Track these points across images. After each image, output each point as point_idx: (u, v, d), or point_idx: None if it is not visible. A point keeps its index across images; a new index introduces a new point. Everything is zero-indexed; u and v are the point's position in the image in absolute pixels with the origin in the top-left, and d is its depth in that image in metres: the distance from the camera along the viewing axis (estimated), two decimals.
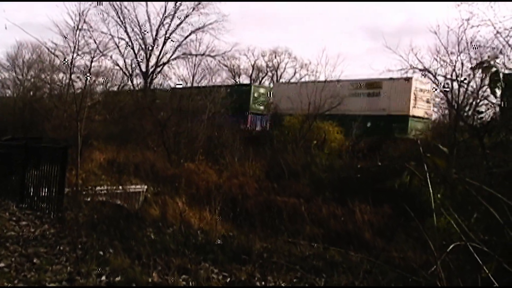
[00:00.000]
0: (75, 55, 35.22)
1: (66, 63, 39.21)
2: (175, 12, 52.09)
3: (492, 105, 16.29)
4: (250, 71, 66.21)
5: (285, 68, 64.46)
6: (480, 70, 5.59)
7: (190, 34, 52.04)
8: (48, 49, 45.04)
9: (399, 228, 17.89)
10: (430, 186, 4.16)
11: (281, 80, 62.19)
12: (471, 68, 21.06)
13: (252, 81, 63.12)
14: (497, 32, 16.30)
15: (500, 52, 16.79)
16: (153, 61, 52.75)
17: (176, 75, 56.70)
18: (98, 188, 21.61)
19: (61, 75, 46.02)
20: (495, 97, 15.64)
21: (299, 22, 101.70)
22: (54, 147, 16.85)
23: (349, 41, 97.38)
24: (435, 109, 37.28)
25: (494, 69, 5.33)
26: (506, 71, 15.95)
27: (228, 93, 41.45)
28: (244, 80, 64.94)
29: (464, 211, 7.58)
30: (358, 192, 23.06)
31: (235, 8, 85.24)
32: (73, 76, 37.05)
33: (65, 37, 40.46)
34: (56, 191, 14.42)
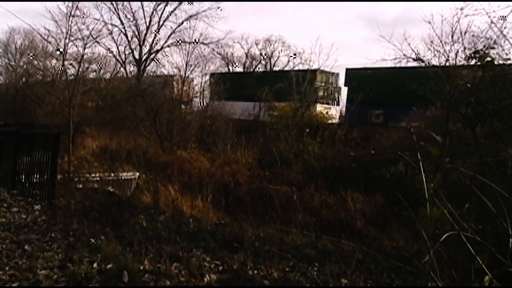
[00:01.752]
0: (67, 41, 35.13)
1: (59, 49, 39.15)
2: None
3: (486, 95, 16.28)
4: (244, 59, 66.00)
5: (278, 56, 64.24)
6: (474, 60, 5.58)
7: (183, 21, 51.98)
8: (41, 36, 45.06)
9: (391, 217, 17.93)
10: (423, 175, 4.15)
11: (274, 68, 61.91)
12: (466, 57, 21.06)
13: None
14: (492, 21, 16.29)
15: (495, 42, 16.79)
16: (146, 48, 52.70)
17: (170, 62, 56.57)
18: (90, 175, 21.57)
19: (53, 61, 45.91)
20: (489, 86, 15.69)
21: (295, 11, 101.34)
22: (46, 133, 16.78)
23: (345, 30, 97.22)
24: None
25: (488, 59, 5.30)
26: (500, 61, 16.01)
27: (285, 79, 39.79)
28: (236, 68, 64.73)
29: (457, 200, 7.59)
30: (350, 181, 23.11)
31: None
32: (65, 62, 36.97)
33: (58, 23, 40.46)
34: (48, 178, 14.38)
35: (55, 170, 14.55)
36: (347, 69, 41.84)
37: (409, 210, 4.53)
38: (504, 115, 15.40)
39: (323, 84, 44.24)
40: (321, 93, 43.43)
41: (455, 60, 23.84)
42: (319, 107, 42.15)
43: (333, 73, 45.58)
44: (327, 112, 42.42)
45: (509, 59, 16.18)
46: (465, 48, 22.73)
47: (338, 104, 46.13)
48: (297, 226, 17.34)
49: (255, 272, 8.66)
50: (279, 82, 39.59)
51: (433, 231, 4.13)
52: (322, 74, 44.11)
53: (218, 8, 51.66)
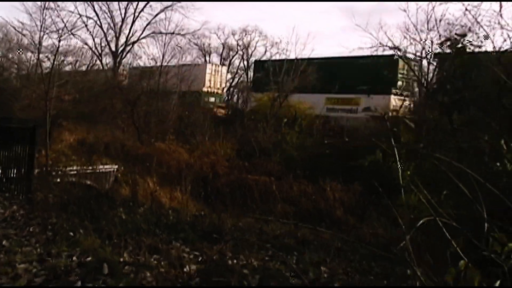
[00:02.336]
0: (42, 34, 34.84)
1: (34, 42, 38.81)
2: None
3: (461, 83, 16.42)
4: (221, 50, 65.87)
5: (255, 46, 64.14)
6: (447, 46, 5.64)
7: (159, 12, 51.68)
8: (15, 28, 44.54)
9: (370, 206, 18.06)
10: (398, 162, 4.19)
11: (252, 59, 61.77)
12: (438, 44, 21.23)
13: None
14: (466, 9, 16.39)
15: (469, 30, 16.90)
16: (122, 40, 52.38)
17: (146, 54, 56.38)
18: (68, 168, 21.45)
19: (29, 54, 45.47)
20: (464, 74, 15.82)
21: (272, 1, 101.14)
22: (23, 127, 16.62)
23: (324, 20, 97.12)
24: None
25: (460, 45, 5.38)
26: (476, 49, 16.13)
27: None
28: (214, 59, 64.59)
29: (435, 187, 7.65)
30: (329, 170, 23.19)
31: None
32: (41, 55, 36.68)
33: (32, 16, 40.09)
34: (25, 172, 14.29)
35: (32, 164, 14.46)
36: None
37: (385, 198, 4.57)
38: (480, 102, 15.53)
39: (404, 73, 36.86)
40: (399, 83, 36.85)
41: (431, 48, 24.05)
42: (393, 99, 35.49)
43: (419, 59, 35.27)
44: (401, 106, 33.27)
45: (481, 46, 16.31)
46: (440, 35, 22.93)
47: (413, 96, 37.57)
48: (276, 216, 17.43)
49: (235, 261, 8.68)
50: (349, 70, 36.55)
51: (410, 218, 4.17)
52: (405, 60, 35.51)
53: None
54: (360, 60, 36.93)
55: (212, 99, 46.17)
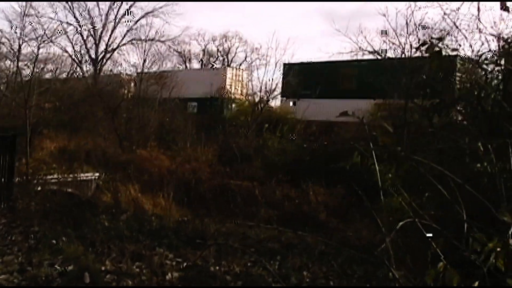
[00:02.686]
0: (21, 42, 34.64)
1: (13, 50, 38.55)
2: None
3: (441, 86, 16.51)
4: (201, 56, 65.80)
5: (236, 52, 64.13)
6: (424, 50, 5.65)
7: (140, 18, 51.68)
8: None
9: (353, 208, 18.11)
10: (376, 165, 4.21)
11: (232, 64, 61.50)
12: (415, 48, 21.34)
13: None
14: (444, 13, 16.52)
15: (448, 34, 17.02)
16: (102, 47, 52.21)
17: (127, 61, 56.25)
18: (49, 176, 21.31)
19: (7, 62, 45.17)
20: (438, 76, 15.92)
21: (253, 6, 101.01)
22: (2, 135, 16.54)
23: (303, 24, 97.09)
24: None
25: (436, 49, 5.41)
26: (453, 53, 16.24)
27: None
28: (194, 65, 64.47)
29: (417, 189, 7.69)
30: (311, 174, 23.22)
31: None
32: (20, 63, 36.44)
33: (11, 23, 39.86)
34: (6, 181, 14.21)
35: (12, 173, 14.40)
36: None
37: (366, 201, 4.59)
38: (460, 105, 15.64)
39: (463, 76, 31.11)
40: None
41: (410, 52, 24.17)
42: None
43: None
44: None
45: (457, 49, 16.42)
46: (419, 40, 23.05)
47: None
48: (260, 220, 17.44)
49: (217, 268, 8.68)
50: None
51: (391, 220, 4.19)
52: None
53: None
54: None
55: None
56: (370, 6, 59.01)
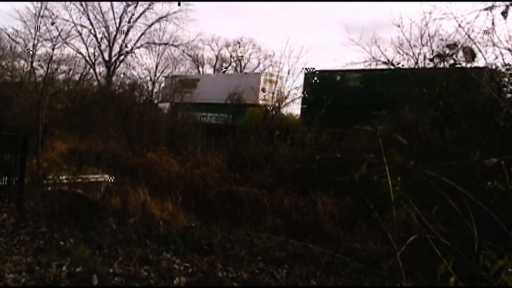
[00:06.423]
0: (36, 42, 34.80)
1: (27, 50, 38.74)
2: (138, 0, 51.79)
3: (454, 98, 16.48)
4: (214, 61, 65.86)
5: (249, 59, 64.11)
6: (438, 61, 5.67)
7: (153, 22, 51.86)
8: (9, 36, 44.48)
9: (360, 220, 18.05)
10: (389, 178, 4.20)
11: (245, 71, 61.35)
12: (430, 59, 21.31)
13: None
14: (459, 25, 16.49)
15: (462, 47, 16.98)
16: (116, 49, 52.35)
17: (140, 64, 56.43)
18: (59, 177, 21.36)
19: (22, 62, 45.36)
20: (452, 89, 15.88)
21: (270, 14, 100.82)
22: (14, 135, 16.58)
23: (323, 34, 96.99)
24: None
25: (451, 61, 5.39)
26: (468, 65, 16.21)
27: None
28: (207, 70, 64.57)
29: (426, 203, 7.67)
30: (320, 184, 23.15)
31: None
32: (34, 63, 36.60)
33: (26, 24, 40.10)
34: (16, 181, 14.26)
35: (23, 173, 14.44)
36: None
37: (375, 213, 4.58)
38: (472, 118, 15.60)
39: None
40: None
41: (424, 63, 24.15)
42: None
43: None
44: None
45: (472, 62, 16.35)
46: (433, 51, 23.04)
47: None
48: (267, 229, 17.39)
49: (225, 274, 8.68)
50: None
51: (400, 233, 4.18)
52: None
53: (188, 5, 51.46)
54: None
55: None
56: (385, 17, 59.07)
